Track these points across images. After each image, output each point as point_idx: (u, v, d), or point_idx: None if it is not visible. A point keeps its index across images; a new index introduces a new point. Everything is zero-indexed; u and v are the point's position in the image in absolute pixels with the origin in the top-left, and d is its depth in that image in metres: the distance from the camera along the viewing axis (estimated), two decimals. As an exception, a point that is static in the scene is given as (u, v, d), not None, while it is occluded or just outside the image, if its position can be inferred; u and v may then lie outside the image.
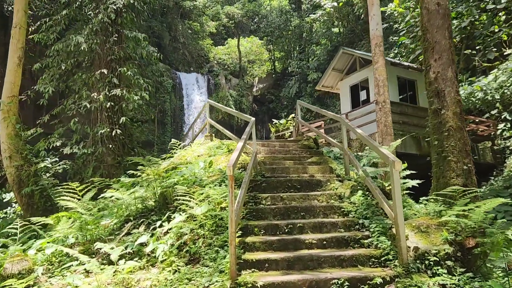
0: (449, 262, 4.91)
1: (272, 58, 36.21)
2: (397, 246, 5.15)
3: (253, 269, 5.13)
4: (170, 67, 34.29)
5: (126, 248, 6.44)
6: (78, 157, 15.64)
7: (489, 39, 16.55)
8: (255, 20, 36.41)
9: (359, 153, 12.54)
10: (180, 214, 6.77)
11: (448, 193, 6.26)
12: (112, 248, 6.26)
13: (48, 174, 15.42)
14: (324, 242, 5.80)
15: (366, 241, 5.78)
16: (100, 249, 5.97)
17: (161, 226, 6.83)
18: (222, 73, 33.30)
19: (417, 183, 6.91)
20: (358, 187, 7.37)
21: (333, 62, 17.47)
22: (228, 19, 36.54)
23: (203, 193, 7.08)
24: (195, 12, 34.85)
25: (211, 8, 36.78)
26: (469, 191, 5.97)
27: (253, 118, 8.94)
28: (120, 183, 8.34)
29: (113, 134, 15.28)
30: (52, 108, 16.13)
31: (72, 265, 5.96)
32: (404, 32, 14.52)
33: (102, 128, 15.36)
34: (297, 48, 34.30)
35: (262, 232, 6.20)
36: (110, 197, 8.67)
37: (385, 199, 5.77)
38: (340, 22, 30.32)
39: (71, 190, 7.36)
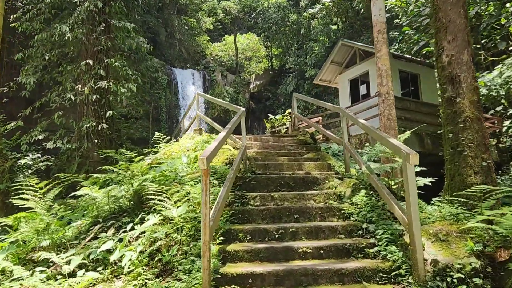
0: (476, 280, 3.87)
1: (270, 54, 35.14)
2: (411, 258, 4.11)
3: (232, 286, 4.09)
4: (166, 64, 33.21)
5: (88, 255, 5.40)
6: (62, 152, 14.60)
7: (495, 31, 15.54)
8: (252, 15, 35.31)
9: (359, 150, 11.51)
10: (155, 216, 5.74)
11: (468, 193, 5.22)
12: (70, 256, 5.23)
13: (30, 171, 14.35)
14: (321, 251, 4.76)
15: (371, 250, 4.74)
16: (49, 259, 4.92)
17: (132, 229, 5.80)
18: (218, 69, 32.22)
19: (425, 183, 5.88)
20: (361, 186, 6.34)
21: (332, 55, 16.42)
22: (224, 14, 35.44)
23: (182, 191, 6.03)
24: (191, 7, 33.74)
25: (207, 3, 35.65)
26: (496, 191, 4.93)
27: (243, 109, 7.90)
28: (91, 179, 7.29)
29: (99, 129, 14.23)
30: (37, 101, 15.09)
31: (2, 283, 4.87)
32: (407, 22, 13.55)
33: (88, 122, 14.31)
34: (295, 45, 33.23)
35: (247, 238, 5.16)
36: (83, 195, 7.63)
37: (394, 200, 4.73)
38: (338, 18, 29.27)
39: (31, 188, 6.31)
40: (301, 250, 4.75)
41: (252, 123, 33.14)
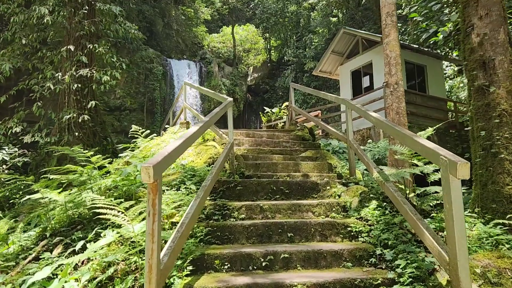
0: None
1: (268, 46, 33.65)
2: (450, 311, 2.82)
3: None
4: (162, 54, 31.74)
5: (20, 286, 4.10)
6: (40, 146, 13.25)
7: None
8: (251, 5, 33.75)
9: (362, 147, 10.27)
10: (112, 232, 4.43)
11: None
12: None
13: (5, 166, 13.02)
14: (323, 290, 3.46)
15: (390, 290, 3.44)
16: None
17: (84, 248, 4.51)
18: (215, 61, 30.75)
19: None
20: (371, 195, 5.02)
21: (332, 44, 15.03)
22: (222, 4, 33.88)
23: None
24: (188, -4, 32.19)
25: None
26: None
27: (230, 99, 6.56)
28: (42, 182, 5.96)
29: (80, 121, 12.88)
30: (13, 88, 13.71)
31: None
32: (415, 9, 12.18)
33: (69, 113, 12.95)
34: (294, 37, 31.75)
35: (226, 267, 3.85)
36: (39, 199, 6.31)
37: (423, 222, 3.42)
38: (339, 9, 27.80)
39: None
40: (295, 287, 3.44)
41: (249, 116, 31.78)
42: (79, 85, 12.91)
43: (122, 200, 4.57)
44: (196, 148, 6.94)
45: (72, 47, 12.92)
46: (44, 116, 13.45)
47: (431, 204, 4.80)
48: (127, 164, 7.84)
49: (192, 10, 34.28)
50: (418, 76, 14.46)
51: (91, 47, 13.20)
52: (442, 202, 4.74)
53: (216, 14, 36.69)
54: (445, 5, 12.48)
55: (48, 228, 5.11)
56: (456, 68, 21.08)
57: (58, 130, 13.47)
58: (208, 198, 5.34)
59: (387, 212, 4.61)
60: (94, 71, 13.04)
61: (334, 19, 29.06)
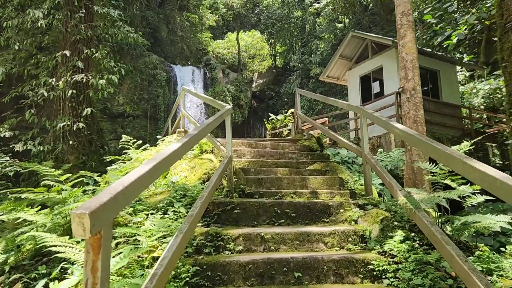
0: None
1: (273, 52, 32.84)
2: None
3: None
4: (166, 61, 31.04)
5: None
6: (33, 155, 12.46)
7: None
8: (256, 11, 33.01)
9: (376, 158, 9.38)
10: (77, 272, 3.56)
11: None
12: None
13: (-4, 176, 12.24)
14: None
15: None
16: None
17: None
18: (220, 67, 29.96)
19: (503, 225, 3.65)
20: (395, 222, 4.11)
21: (340, 48, 14.15)
22: (226, 9, 33.15)
23: (123, 229, 3.83)
24: (192, 1, 31.50)
25: (209, -3, 33.40)
26: None
27: (228, 106, 5.69)
28: (5, 203, 5.11)
29: (74, 128, 12.08)
30: (5, 95, 12.96)
31: None
32: (429, 9, 11.28)
33: (63, 120, 12.17)
34: (300, 43, 30.91)
35: (215, 323, 2.96)
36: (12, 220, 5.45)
37: (475, 271, 2.50)
38: (345, 14, 26.95)
39: None
40: None
41: (254, 123, 30.91)
42: (74, 92, 12.13)
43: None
44: (190, 162, 6.06)
45: (68, 52, 12.16)
46: (38, 123, 12.67)
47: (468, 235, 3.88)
48: (106, 184, 6.97)
49: (197, 16, 33.61)
50: (431, 81, 13.53)
51: (88, 52, 12.43)
52: (482, 232, 3.82)
53: (221, 20, 36.00)
54: (460, 6, 11.60)
55: (9, 261, 4.25)
56: (467, 74, 20.12)
57: (52, 138, 12.69)
58: (200, 223, 4.47)
59: (416, 245, 3.69)
60: (90, 77, 12.26)
61: (340, 25, 28.23)
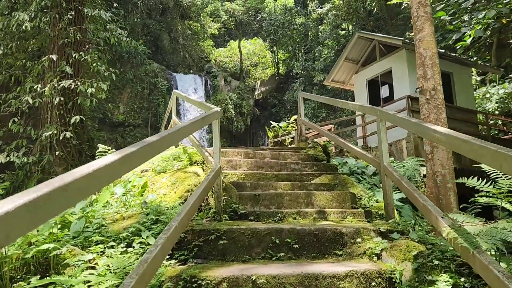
0: None
1: (276, 60, 31.86)
2: None
3: None
4: (168, 69, 30.13)
5: None
6: (18, 167, 11.42)
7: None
8: (258, 18, 32.10)
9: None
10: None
11: None
12: None
13: (-22, 189, 11.21)
14: None
15: None
16: None
17: None
18: (221, 75, 28.99)
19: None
20: (435, 261, 2.96)
21: (346, 50, 13.06)
22: (228, 16, 32.27)
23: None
24: (193, 9, 30.64)
25: (210, 5, 32.53)
26: None
27: (216, 109, 4.60)
28: None
29: (62, 138, 11.06)
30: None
31: None
32: (442, 6, 10.21)
33: (50, 129, 11.16)
34: (303, 50, 29.92)
35: None
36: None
37: None
38: (348, 20, 25.93)
39: None
40: None
41: (257, 131, 29.82)
42: (62, 99, 11.13)
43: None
44: (171, 177, 4.95)
45: (54, 56, 11.18)
46: (23, 133, 11.65)
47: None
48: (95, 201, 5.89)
49: (199, 25, 32.76)
50: (443, 84, 12.37)
51: (76, 56, 11.44)
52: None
53: (223, 28, 35.16)
54: (476, 2, 10.51)
55: None
56: (478, 78, 18.95)
57: (39, 149, 11.68)
58: (173, 259, 3.36)
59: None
60: (79, 83, 11.26)
61: (343, 32, 27.22)
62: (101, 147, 6.26)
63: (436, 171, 6.36)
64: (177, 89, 28.09)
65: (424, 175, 9.88)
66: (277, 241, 3.59)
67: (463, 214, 3.22)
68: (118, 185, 4.74)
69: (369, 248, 3.47)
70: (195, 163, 6.24)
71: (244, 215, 4.65)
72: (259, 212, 4.74)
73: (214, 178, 4.18)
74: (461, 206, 4.46)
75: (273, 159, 7.06)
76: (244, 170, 6.35)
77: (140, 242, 3.40)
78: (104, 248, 3.30)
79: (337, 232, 3.68)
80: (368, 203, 5.42)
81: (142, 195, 4.83)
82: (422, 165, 10.01)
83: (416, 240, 3.28)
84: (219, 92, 27.96)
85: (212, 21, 32.45)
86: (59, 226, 3.95)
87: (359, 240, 3.61)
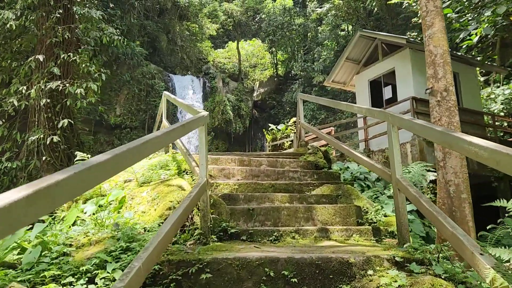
0: None
1: (275, 61, 31.20)
2: None
3: None
4: (166, 71, 29.48)
5: None
6: (2, 173, 10.78)
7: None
8: (256, 19, 31.45)
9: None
10: None
11: None
12: None
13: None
14: None
15: None
16: None
17: None
18: (219, 76, 28.32)
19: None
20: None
21: (347, 49, 12.41)
22: (226, 17, 31.61)
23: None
24: (191, 9, 29.97)
25: (208, 6, 31.86)
26: None
27: (204, 113, 3.97)
28: None
29: (47, 142, 10.42)
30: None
31: None
32: (449, 2, 9.57)
33: (36, 133, 10.52)
34: (302, 50, 29.27)
35: None
36: None
37: None
38: (348, 20, 25.28)
39: None
40: None
41: (256, 133, 29.15)
42: (48, 101, 10.49)
43: None
44: (153, 190, 4.30)
45: (41, 57, 10.54)
46: (9, 136, 11.01)
47: None
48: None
49: (197, 26, 32.09)
50: (449, 85, 11.74)
51: (65, 56, 10.80)
52: None
53: (222, 30, 34.51)
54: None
55: None
56: (482, 78, 18.33)
57: (25, 153, 11.03)
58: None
59: None
60: (67, 84, 10.62)
61: (343, 33, 26.58)
62: (78, 154, 5.62)
63: (449, 180, 5.72)
64: (174, 90, 27.45)
65: (430, 181, 9.27)
66: (272, 274, 2.95)
67: (507, 249, 2.57)
68: (90, 201, 4.08)
69: (383, 284, 2.82)
70: (184, 172, 5.61)
71: (236, 235, 4.02)
72: (252, 230, 4.11)
73: (199, 194, 3.55)
74: (488, 227, 3.82)
75: (270, 166, 6.42)
76: (238, 180, 5.72)
77: (105, 278, 2.76)
78: (60, 286, 2.66)
79: (343, 262, 3.03)
80: (376, 217, 4.80)
81: (119, 212, 4.19)
82: (429, 171, 9.39)
83: (442, 277, 2.64)
84: (217, 94, 27.32)
85: (210, 22, 31.80)
86: (17, 251, 3.33)
87: (370, 272, 2.97)
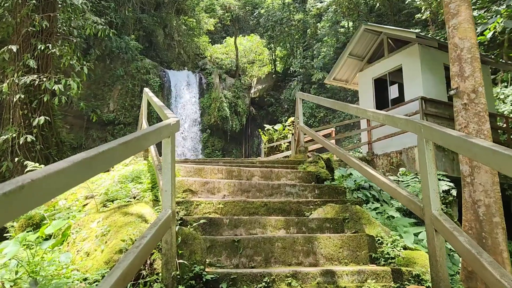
0: None
1: (273, 57, 30.03)
2: None
3: None
4: (162, 66, 28.30)
5: None
6: (-28, 174, 9.71)
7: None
8: (255, 14, 30.25)
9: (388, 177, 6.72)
10: None
11: None
12: None
13: None
14: None
15: None
16: None
17: None
18: (216, 72, 27.15)
19: None
20: None
21: (350, 45, 11.30)
22: (224, 11, 30.39)
23: None
24: (188, 3, 28.75)
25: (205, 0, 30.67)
26: None
27: (171, 120, 2.89)
28: None
29: (23, 142, 9.33)
30: None
31: None
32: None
33: (9, 132, 9.44)
34: (301, 47, 28.11)
35: None
36: None
37: None
38: (349, 15, 24.14)
39: None
40: None
41: (253, 131, 28.04)
42: (23, 96, 9.40)
43: None
44: (105, 220, 3.20)
45: (14, 47, 9.43)
46: (-20, 135, 9.92)
47: None
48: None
49: (194, 20, 30.87)
50: (460, 85, 10.68)
51: (42, 47, 9.69)
52: None
53: (220, 25, 33.31)
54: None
55: None
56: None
57: (1, 153, 9.96)
58: None
59: None
60: (45, 79, 9.52)
61: (342, 30, 25.44)
62: (29, 164, 4.55)
63: (478, 199, 4.66)
64: (169, 86, 26.30)
65: (443, 191, 8.25)
66: None
67: None
68: (16, 237, 2.98)
69: None
70: (157, 187, 4.54)
71: (213, 282, 2.96)
72: (236, 274, 3.05)
73: (159, 233, 2.48)
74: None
75: (263, 179, 5.36)
76: (224, 197, 4.66)
77: None
78: None
79: None
80: (393, 251, 3.75)
81: (62, 243, 3.11)
82: (440, 180, 8.36)
83: None
84: (213, 90, 26.18)
85: (208, 16, 30.59)
86: None
87: None
